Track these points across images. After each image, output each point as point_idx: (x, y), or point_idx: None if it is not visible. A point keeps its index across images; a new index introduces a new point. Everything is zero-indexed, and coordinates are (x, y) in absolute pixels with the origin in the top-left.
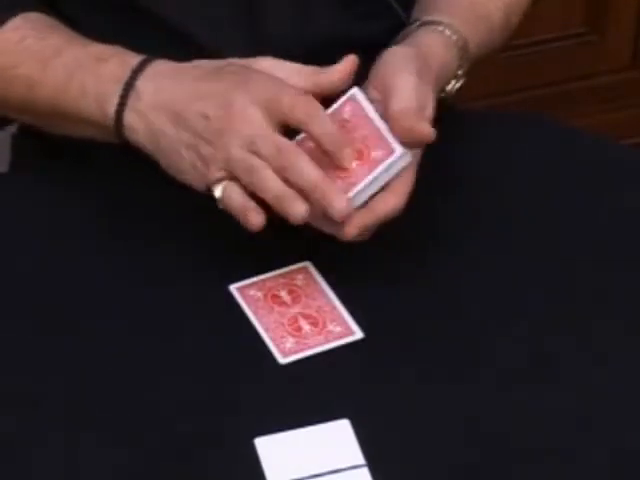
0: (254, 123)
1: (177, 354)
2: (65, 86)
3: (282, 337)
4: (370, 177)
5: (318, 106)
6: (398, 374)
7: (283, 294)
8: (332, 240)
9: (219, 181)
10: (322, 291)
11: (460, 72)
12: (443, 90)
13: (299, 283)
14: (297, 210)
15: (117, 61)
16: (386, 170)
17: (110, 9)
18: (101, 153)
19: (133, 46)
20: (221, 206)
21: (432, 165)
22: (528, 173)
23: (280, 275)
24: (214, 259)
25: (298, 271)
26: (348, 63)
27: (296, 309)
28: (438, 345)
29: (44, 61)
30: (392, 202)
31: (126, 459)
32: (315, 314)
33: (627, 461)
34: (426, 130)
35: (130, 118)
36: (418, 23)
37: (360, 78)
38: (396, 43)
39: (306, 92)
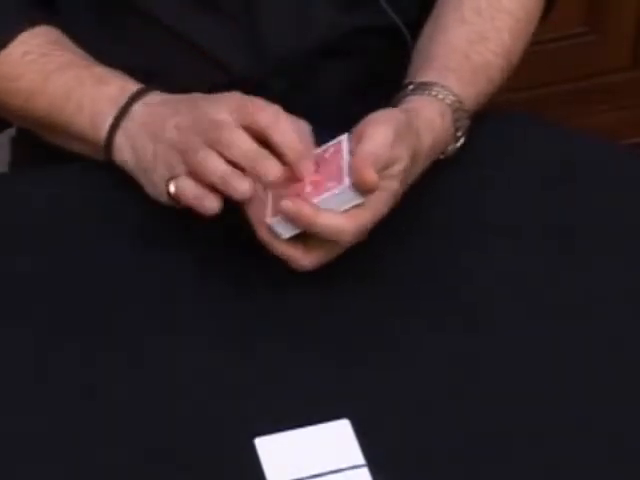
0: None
1: (176, 352)
2: (63, 100)
3: None
4: (315, 200)
5: (285, 117)
6: (399, 374)
7: None
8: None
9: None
10: None
11: (459, 134)
12: (443, 153)
13: None
14: (241, 187)
15: (117, 86)
16: (330, 200)
17: (109, 10)
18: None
19: (128, 45)
20: (178, 206)
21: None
22: (528, 173)
23: None
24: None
25: None
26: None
27: None
28: (439, 345)
29: (45, 74)
30: (343, 222)
31: (126, 454)
32: None
33: None
34: (370, 177)
35: (120, 138)
36: (412, 87)
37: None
38: (392, 106)
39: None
